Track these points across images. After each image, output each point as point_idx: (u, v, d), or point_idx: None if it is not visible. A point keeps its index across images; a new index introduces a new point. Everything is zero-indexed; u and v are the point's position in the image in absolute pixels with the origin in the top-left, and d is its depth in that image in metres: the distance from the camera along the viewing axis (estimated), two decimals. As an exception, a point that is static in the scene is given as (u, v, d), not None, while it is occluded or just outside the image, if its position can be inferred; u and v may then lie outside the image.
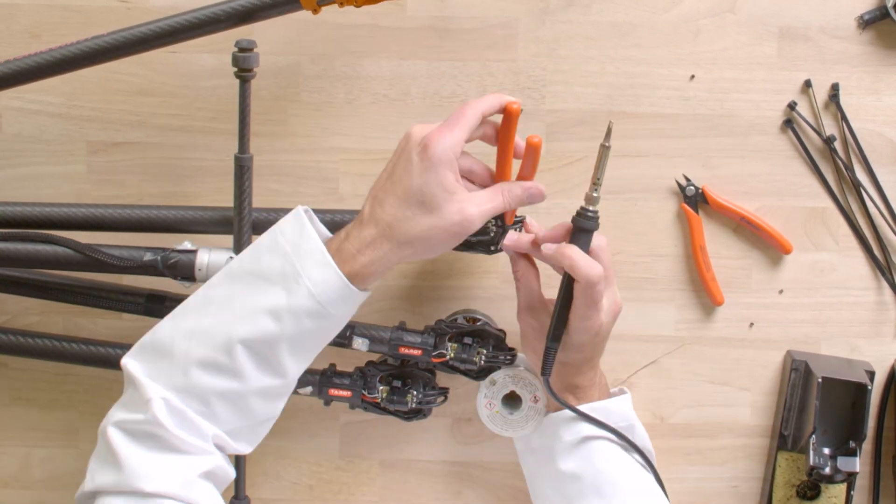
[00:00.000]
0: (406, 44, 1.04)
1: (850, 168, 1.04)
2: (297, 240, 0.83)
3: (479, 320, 1.01)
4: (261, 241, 0.86)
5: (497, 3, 1.03)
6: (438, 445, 1.07)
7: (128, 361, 0.83)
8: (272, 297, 0.82)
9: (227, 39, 1.04)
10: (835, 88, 1.03)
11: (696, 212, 1.04)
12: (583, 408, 0.92)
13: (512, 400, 1.00)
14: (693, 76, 1.03)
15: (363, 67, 1.04)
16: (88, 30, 1.04)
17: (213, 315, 0.83)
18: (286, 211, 0.88)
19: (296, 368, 0.85)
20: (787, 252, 1.04)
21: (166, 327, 0.84)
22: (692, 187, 1.04)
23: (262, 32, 1.04)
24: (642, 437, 0.96)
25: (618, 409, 0.95)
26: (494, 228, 0.95)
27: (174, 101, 1.05)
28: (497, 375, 0.99)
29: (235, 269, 0.85)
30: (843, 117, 1.03)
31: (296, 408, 1.07)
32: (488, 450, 1.07)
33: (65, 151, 1.05)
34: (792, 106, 1.03)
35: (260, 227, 0.94)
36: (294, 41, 1.04)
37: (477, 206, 0.84)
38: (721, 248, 1.05)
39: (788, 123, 1.04)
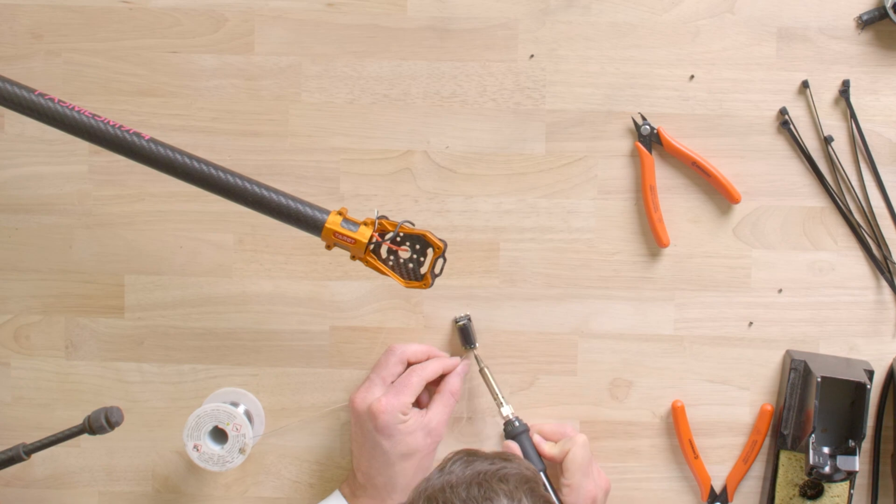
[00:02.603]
0: (406, 44, 1.04)
1: (844, 169, 1.04)
2: None
3: None
4: None
5: (497, 3, 1.04)
6: (438, 444, 1.08)
7: None
8: None
9: (228, 40, 1.05)
10: (845, 84, 1.03)
11: (650, 151, 1.04)
12: None
13: (218, 435, 1.02)
14: (692, 76, 1.04)
15: (364, 67, 1.05)
16: (90, 30, 1.05)
17: None
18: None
19: None
20: (735, 201, 1.04)
21: None
22: (647, 126, 1.04)
23: (264, 33, 1.04)
24: None
25: None
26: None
27: (175, 101, 1.05)
28: (195, 416, 1.01)
29: None
30: (853, 115, 1.03)
31: (296, 406, 1.07)
32: (488, 448, 1.07)
33: (66, 151, 1.06)
34: (784, 111, 1.04)
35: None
36: (295, 41, 1.05)
37: (437, 420, 1.01)
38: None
39: (785, 125, 1.04)
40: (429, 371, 1.02)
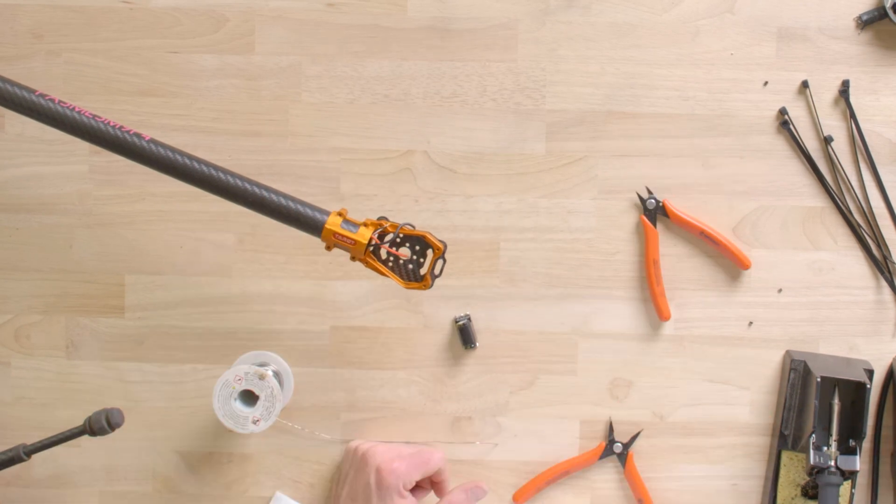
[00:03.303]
0: (407, 44, 1.04)
1: (844, 169, 1.04)
2: None
3: None
4: None
5: (497, 3, 1.04)
6: (439, 444, 1.08)
7: None
8: None
9: (228, 39, 1.05)
10: (845, 84, 1.03)
11: (655, 225, 1.04)
12: None
13: (247, 396, 1.01)
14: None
15: (364, 67, 1.05)
16: (91, 30, 1.05)
17: None
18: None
19: None
20: (746, 268, 1.04)
21: None
22: (653, 200, 1.04)
23: (264, 32, 1.04)
24: None
25: None
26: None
27: (176, 101, 1.05)
28: (229, 377, 1.00)
29: None
30: (852, 114, 1.04)
31: (297, 406, 1.07)
32: (489, 448, 1.08)
33: (66, 151, 1.06)
34: (784, 111, 1.04)
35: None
36: (295, 41, 1.05)
37: None
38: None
39: (785, 125, 1.04)
40: (445, 473, 1.02)
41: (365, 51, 1.05)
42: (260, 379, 0.99)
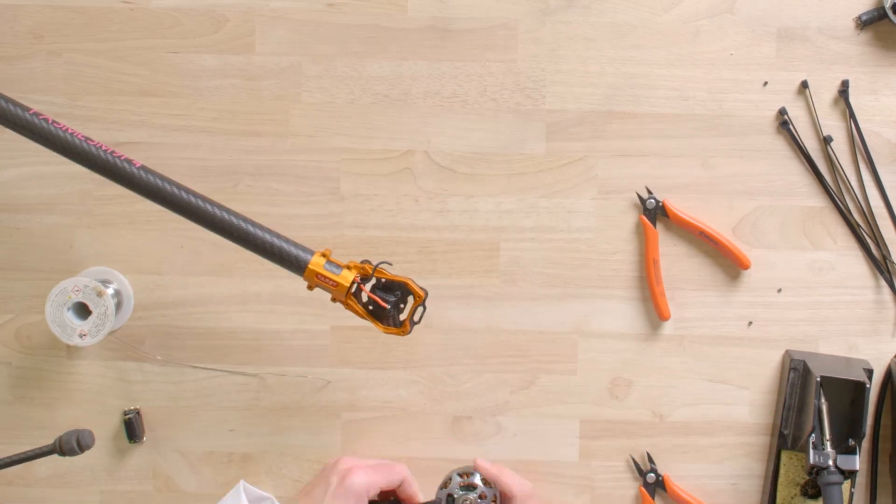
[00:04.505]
0: (407, 44, 1.05)
1: (843, 169, 1.04)
2: None
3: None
4: None
5: (497, 3, 1.04)
6: (439, 443, 1.08)
7: None
8: None
9: (228, 40, 1.05)
10: (844, 85, 1.04)
11: (655, 225, 1.04)
12: None
13: (80, 309, 1.01)
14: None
15: (364, 68, 1.05)
16: (91, 31, 1.05)
17: None
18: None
19: None
20: (745, 267, 1.05)
21: None
22: (652, 200, 1.04)
23: (264, 33, 1.04)
24: None
25: None
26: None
27: (176, 101, 1.05)
28: (65, 286, 0.99)
29: None
30: (852, 115, 1.04)
31: (297, 406, 1.07)
32: (489, 447, 1.08)
33: (67, 151, 1.06)
34: (783, 111, 1.04)
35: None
36: (296, 42, 1.05)
37: None
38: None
39: (785, 125, 1.04)
40: (412, 486, 1.02)
41: (365, 51, 1.05)
42: (97, 295, 0.99)
